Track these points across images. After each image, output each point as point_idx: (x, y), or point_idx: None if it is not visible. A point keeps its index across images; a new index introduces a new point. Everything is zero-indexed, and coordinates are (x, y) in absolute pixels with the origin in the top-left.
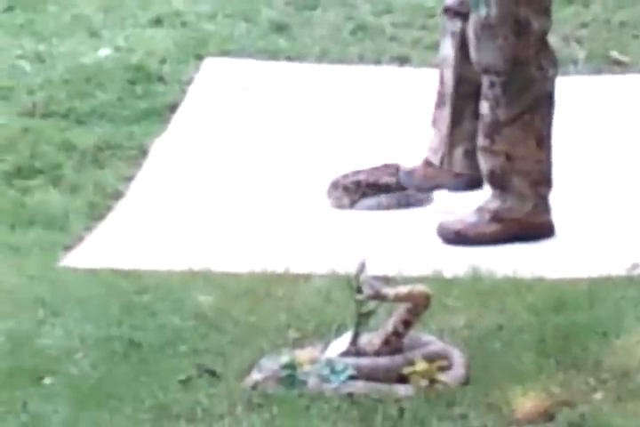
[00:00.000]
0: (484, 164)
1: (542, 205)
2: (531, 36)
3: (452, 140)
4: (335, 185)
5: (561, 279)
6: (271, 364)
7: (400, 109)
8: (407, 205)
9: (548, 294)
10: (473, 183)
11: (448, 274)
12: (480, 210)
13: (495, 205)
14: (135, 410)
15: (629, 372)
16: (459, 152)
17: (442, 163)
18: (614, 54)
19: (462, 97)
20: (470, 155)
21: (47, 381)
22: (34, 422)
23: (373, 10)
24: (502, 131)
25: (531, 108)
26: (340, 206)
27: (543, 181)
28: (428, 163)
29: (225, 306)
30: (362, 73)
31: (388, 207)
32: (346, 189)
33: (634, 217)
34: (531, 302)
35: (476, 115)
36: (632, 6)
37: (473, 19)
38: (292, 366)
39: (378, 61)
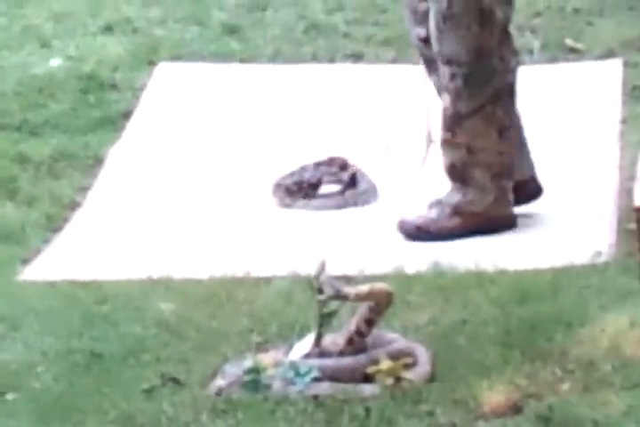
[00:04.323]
0: (445, 157)
1: (503, 198)
2: (494, 25)
3: None
4: (278, 185)
5: (524, 271)
6: (235, 369)
7: (355, 106)
8: (355, 203)
9: (512, 286)
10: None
11: (409, 270)
12: (440, 204)
13: (456, 198)
14: (99, 422)
15: (595, 361)
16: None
17: None
18: (569, 42)
19: None
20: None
21: (9, 396)
22: None
23: (325, 8)
24: (463, 123)
25: (492, 100)
26: (285, 206)
27: (505, 173)
28: None
29: (186, 313)
30: (316, 72)
31: (336, 207)
32: (287, 189)
33: (593, 205)
34: (494, 295)
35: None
36: None
37: (434, 9)
38: (255, 370)
39: (332, 59)
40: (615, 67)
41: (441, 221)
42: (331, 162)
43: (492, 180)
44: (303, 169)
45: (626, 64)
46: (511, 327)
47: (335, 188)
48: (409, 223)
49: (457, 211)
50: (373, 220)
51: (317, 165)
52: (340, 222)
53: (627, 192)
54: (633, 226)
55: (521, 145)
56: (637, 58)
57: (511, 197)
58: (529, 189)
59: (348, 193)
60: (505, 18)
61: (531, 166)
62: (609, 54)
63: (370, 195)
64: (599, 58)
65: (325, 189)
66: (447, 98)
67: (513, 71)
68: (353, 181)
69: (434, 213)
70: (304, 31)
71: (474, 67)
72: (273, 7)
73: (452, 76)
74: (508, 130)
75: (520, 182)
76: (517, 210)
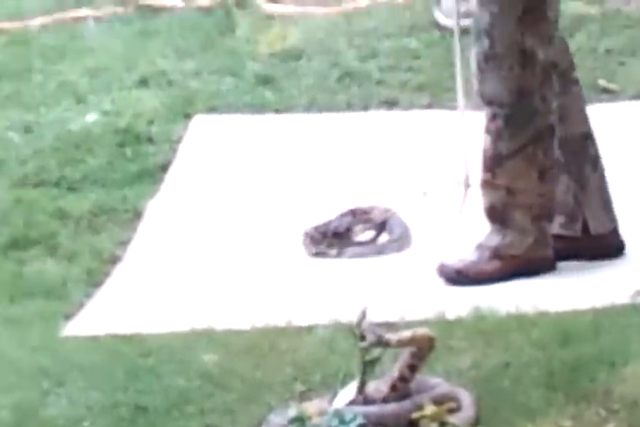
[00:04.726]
0: (485, 198)
1: (543, 240)
2: (536, 66)
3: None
4: (305, 235)
5: (564, 312)
6: (279, 419)
7: (391, 153)
8: (389, 250)
9: (553, 328)
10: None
11: (450, 315)
12: (480, 247)
13: (495, 241)
14: None
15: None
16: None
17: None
18: (602, 82)
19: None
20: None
21: None
22: None
23: (358, 55)
24: (504, 164)
25: (533, 141)
26: (315, 256)
27: (544, 215)
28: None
29: (229, 364)
30: (350, 120)
31: (371, 254)
32: (312, 238)
33: (630, 244)
34: (536, 338)
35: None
36: (617, 34)
37: (476, 49)
38: (300, 419)
39: (366, 107)
40: None
41: (480, 265)
42: (359, 211)
43: (533, 222)
44: (334, 219)
45: None
46: (554, 369)
47: (369, 235)
48: (449, 267)
49: (496, 254)
50: (411, 265)
51: (347, 214)
52: (377, 269)
53: None
54: None
55: (602, 194)
56: None
57: (550, 239)
58: (610, 243)
59: (382, 240)
60: (546, 58)
61: (613, 219)
62: None
63: (404, 240)
64: (633, 98)
65: (359, 236)
66: (488, 139)
67: (554, 112)
68: (384, 227)
69: (474, 257)
70: (338, 79)
71: (515, 107)
72: (306, 56)
73: (494, 117)
74: (549, 171)
75: (601, 236)
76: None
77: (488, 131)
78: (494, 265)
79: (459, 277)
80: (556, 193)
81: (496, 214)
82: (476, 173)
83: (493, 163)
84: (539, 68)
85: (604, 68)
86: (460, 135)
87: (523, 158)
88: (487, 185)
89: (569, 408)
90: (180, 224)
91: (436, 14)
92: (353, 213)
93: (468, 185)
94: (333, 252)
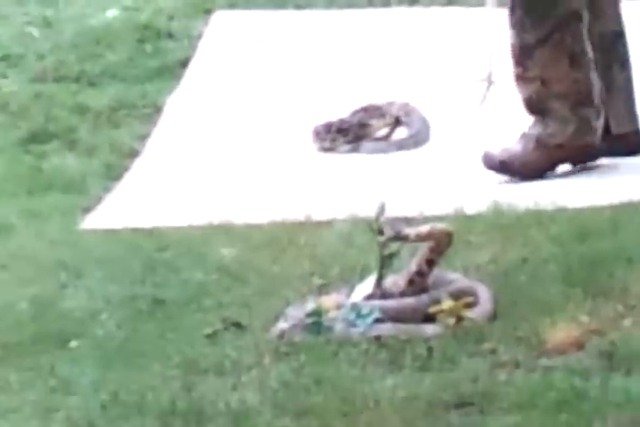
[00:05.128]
0: (521, 92)
1: (586, 127)
2: None
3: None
4: (314, 130)
5: (583, 208)
6: (297, 312)
7: (412, 50)
8: (402, 146)
9: (571, 224)
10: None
11: (469, 210)
12: (524, 137)
13: (537, 131)
14: (164, 367)
15: None
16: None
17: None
18: None
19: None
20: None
21: (73, 344)
22: (62, 386)
23: None
24: (533, 55)
25: (559, 28)
26: (321, 151)
27: (584, 101)
28: None
29: (247, 258)
30: (371, 16)
31: (384, 150)
32: (318, 134)
33: None
34: (554, 234)
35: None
36: None
37: None
38: (317, 313)
39: (387, 3)
40: None
41: (525, 156)
42: (371, 107)
43: (572, 109)
44: (347, 115)
45: None
46: (571, 265)
47: (384, 131)
48: (493, 158)
49: (540, 144)
50: (429, 161)
51: (360, 110)
52: (394, 164)
53: None
54: None
55: (627, 95)
56: None
57: (596, 125)
58: (630, 143)
59: (400, 135)
60: None
61: (635, 120)
62: None
63: (423, 136)
64: None
65: (375, 132)
66: (513, 32)
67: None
68: (401, 122)
69: (518, 147)
70: None
71: None
72: None
73: (513, 9)
74: (581, 57)
75: (622, 136)
76: None
77: (512, 24)
78: (538, 155)
79: (502, 167)
80: (593, 78)
81: (534, 106)
82: (500, 70)
83: (522, 55)
84: None
85: None
86: (485, 31)
87: (551, 46)
88: (520, 79)
89: (586, 304)
90: (198, 120)
91: None
92: (365, 109)
93: (490, 82)
94: (345, 147)
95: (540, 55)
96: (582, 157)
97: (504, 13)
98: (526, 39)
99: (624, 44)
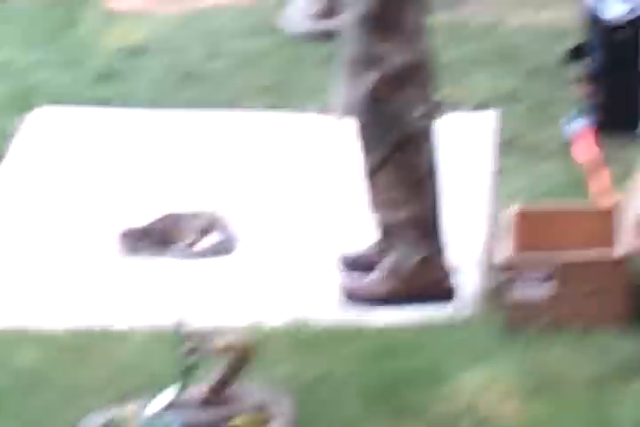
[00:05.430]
0: (373, 218)
1: (435, 258)
2: (389, 71)
3: None
4: (121, 235)
5: (387, 327)
6: (93, 424)
7: (230, 154)
8: (205, 254)
9: (373, 342)
10: None
11: (270, 324)
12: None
13: (387, 260)
14: None
15: (453, 420)
16: None
17: None
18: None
19: None
20: None
21: None
22: None
23: (204, 54)
24: (376, 178)
25: (399, 149)
26: (126, 256)
27: (430, 232)
28: None
29: (46, 365)
30: (191, 118)
31: (192, 257)
32: (125, 239)
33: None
34: (356, 350)
35: None
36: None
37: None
38: (115, 424)
39: (208, 106)
40: (489, 118)
41: (372, 286)
42: (175, 216)
43: (420, 238)
44: (152, 221)
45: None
46: (372, 382)
47: (190, 238)
48: (344, 286)
49: (389, 273)
50: (232, 271)
51: (166, 217)
52: (196, 273)
53: (489, 249)
54: (493, 284)
55: None
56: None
57: (444, 257)
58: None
59: (203, 243)
60: (403, 62)
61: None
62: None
63: (227, 245)
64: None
65: (180, 239)
66: (359, 153)
67: (419, 119)
68: (207, 231)
69: (371, 277)
70: (181, 78)
71: (372, 115)
72: (150, 53)
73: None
74: (426, 181)
75: None
76: None
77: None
78: (386, 286)
79: (350, 297)
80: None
81: (381, 233)
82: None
83: (366, 178)
84: (392, 74)
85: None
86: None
87: (392, 169)
88: (369, 203)
89: (386, 421)
90: (1, 222)
91: (282, 17)
92: (172, 215)
93: None
94: (150, 252)
95: (382, 179)
96: (427, 294)
97: (325, 120)
98: (367, 161)
99: None
